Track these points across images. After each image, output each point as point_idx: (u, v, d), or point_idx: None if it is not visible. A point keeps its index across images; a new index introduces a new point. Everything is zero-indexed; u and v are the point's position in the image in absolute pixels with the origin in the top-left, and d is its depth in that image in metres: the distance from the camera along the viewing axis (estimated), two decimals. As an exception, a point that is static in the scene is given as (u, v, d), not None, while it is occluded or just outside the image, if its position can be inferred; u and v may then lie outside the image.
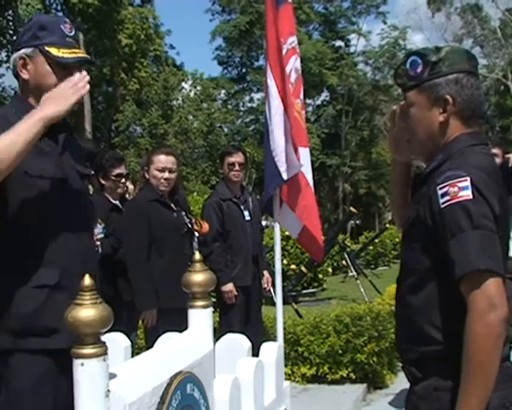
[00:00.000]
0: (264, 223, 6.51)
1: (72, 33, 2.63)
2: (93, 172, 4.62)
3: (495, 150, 5.22)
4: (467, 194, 1.90)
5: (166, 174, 4.93)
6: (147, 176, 5.02)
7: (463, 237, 1.88)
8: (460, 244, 1.88)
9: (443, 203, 1.94)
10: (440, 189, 1.96)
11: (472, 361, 1.85)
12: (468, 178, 1.92)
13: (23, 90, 2.63)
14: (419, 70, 2.13)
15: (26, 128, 2.31)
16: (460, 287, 1.89)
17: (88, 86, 2.49)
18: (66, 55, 2.55)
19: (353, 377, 6.25)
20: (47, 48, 2.55)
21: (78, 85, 2.44)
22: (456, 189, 1.91)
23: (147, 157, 5.26)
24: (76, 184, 2.66)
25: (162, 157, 4.98)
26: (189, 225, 4.96)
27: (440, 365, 2.01)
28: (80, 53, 2.63)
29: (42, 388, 2.45)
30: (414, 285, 2.08)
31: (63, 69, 2.56)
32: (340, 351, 6.21)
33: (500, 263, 1.89)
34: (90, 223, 2.86)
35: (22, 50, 2.58)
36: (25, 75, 2.58)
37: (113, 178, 5.22)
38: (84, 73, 2.51)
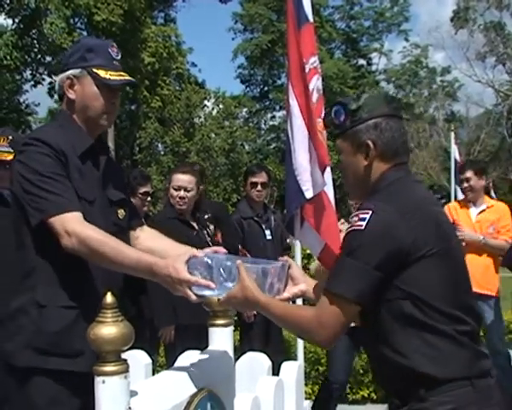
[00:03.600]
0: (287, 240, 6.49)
1: (119, 57, 2.65)
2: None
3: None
4: (360, 224, 2.00)
5: (182, 193, 4.95)
6: (169, 194, 5.08)
7: (338, 259, 2.05)
8: (335, 264, 2.06)
9: (346, 230, 2.08)
10: (351, 218, 2.08)
11: (288, 324, 2.12)
12: (370, 212, 2.00)
13: (69, 109, 2.64)
14: (342, 119, 2.22)
15: (137, 262, 2.52)
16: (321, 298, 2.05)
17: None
18: (113, 78, 2.58)
19: (374, 397, 6.20)
20: (95, 70, 2.57)
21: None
22: (356, 218, 2.02)
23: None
24: (103, 209, 2.62)
25: (179, 176, 5.03)
26: (210, 244, 4.97)
27: (412, 389, 2.00)
28: (126, 76, 2.65)
29: (56, 407, 2.40)
30: (365, 322, 2.12)
31: (109, 91, 2.59)
32: (362, 371, 6.16)
33: (353, 292, 1.97)
34: None
35: (69, 71, 2.60)
36: (71, 95, 2.61)
37: (140, 196, 5.27)
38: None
